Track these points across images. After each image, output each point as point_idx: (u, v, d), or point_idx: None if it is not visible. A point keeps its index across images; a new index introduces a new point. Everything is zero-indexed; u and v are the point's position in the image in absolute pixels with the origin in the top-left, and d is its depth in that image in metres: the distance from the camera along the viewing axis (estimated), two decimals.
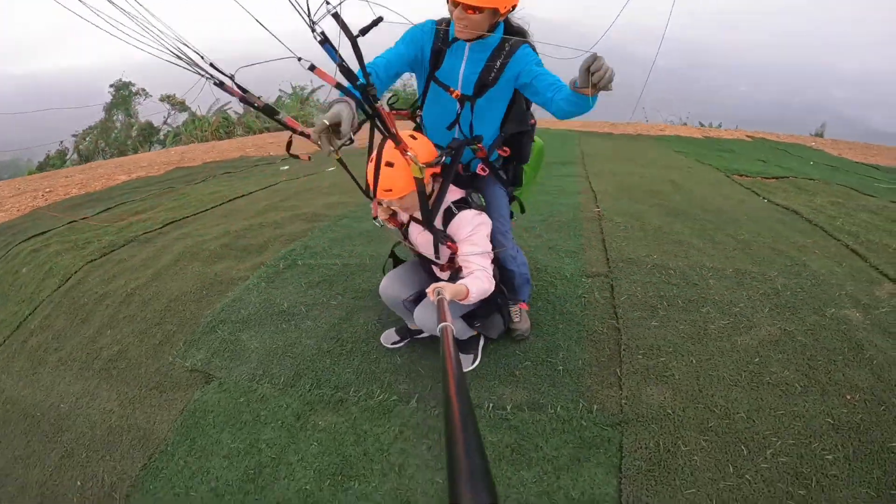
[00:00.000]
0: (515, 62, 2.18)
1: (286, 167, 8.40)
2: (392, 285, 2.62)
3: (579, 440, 2.22)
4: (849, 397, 2.32)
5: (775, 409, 2.29)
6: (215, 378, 2.85)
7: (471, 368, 2.65)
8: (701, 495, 1.95)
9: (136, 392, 2.86)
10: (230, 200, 6.02)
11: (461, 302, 2.03)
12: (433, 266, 2.52)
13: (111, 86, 16.98)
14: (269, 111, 1.86)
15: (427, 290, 1.91)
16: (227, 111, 15.02)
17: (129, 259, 4.46)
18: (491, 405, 2.45)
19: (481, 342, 2.74)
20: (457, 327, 2.38)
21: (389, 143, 2.00)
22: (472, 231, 2.19)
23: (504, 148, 2.48)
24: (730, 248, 3.86)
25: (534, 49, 2.23)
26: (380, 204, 2.32)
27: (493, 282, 2.17)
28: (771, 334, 2.76)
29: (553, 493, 2.01)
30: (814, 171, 7.51)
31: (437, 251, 2.33)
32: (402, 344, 2.90)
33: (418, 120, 2.59)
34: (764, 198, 5.45)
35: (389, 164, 2.01)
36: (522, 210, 2.78)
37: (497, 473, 2.13)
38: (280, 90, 16.75)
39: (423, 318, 2.36)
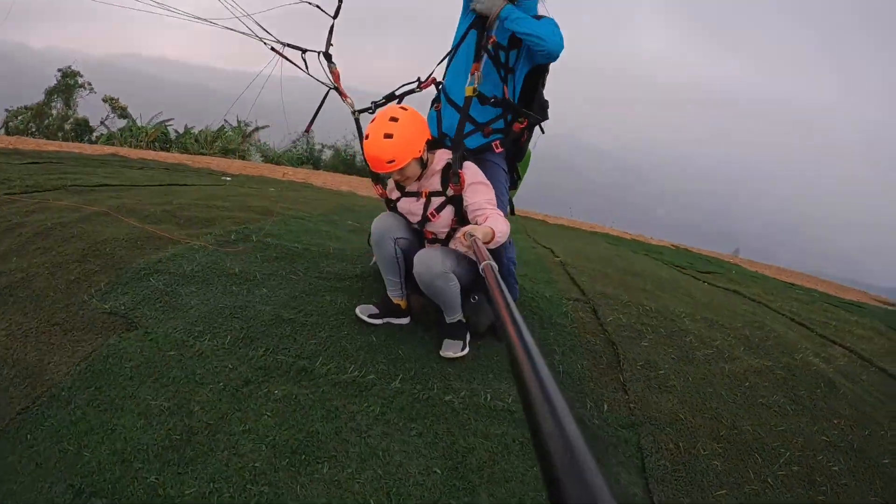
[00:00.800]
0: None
1: (228, 178, 7.81)
2: (385, 220, 2.41)
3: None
4: (836, 421, 2.37)
5: (775, 426, 2.25)
6: (140, 326, 2.25)
7: (459, 355, 2.32)
8: (731, 497, 1.79)
9: (34, 325, 2.19)
10: (170, 185, 5.36)
11: (489, 245, 2.00)
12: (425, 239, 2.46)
13: (59, 70, 15.67)
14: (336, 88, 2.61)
15: (457, 235, 2.01)
16: (168, 127, 14.17)
17: (54, 202, 3.68)
18: (489, 396, 2.12)
19: (468, 335, 2.44)
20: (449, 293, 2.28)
21: (383, 117, 2.15)
22: (477, 178, 2.27)
23: (521, 120, 2.51)
24: (692, 303, 3.97)
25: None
26: (379, 182, 2.47)
27: (508, 224, 2.19)
28: (753, 366, 2.76)
29: None
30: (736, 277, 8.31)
31: (426, 219, 2.36)
32: (379, 321, 2.50)
33: (439, 88, 2.64)
34: (704, 281, 5.84)
35: (388, 136, 2.09)
36: (513, 211, 2.77)
37: (507, 468, 1.78)
38: (225, 120, 16.28)
39: (426, 258, 2.21)
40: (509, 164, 2.68)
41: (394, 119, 2.13)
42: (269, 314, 2.45)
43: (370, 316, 2.49)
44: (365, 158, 2.22)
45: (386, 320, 2.52)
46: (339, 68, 2.66)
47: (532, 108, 2.52)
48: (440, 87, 2.63)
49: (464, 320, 2.40)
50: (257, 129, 16.30)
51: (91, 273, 2.62)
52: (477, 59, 2.36)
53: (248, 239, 3.36)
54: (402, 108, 2.23)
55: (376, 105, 2.52)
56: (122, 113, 14.62)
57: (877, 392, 2.81)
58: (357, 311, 2.52)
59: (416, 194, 2.37)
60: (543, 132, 2.64)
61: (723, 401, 2.36)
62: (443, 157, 2.33)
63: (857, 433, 2.30)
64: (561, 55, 2.29)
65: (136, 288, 2.53)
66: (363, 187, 9.13)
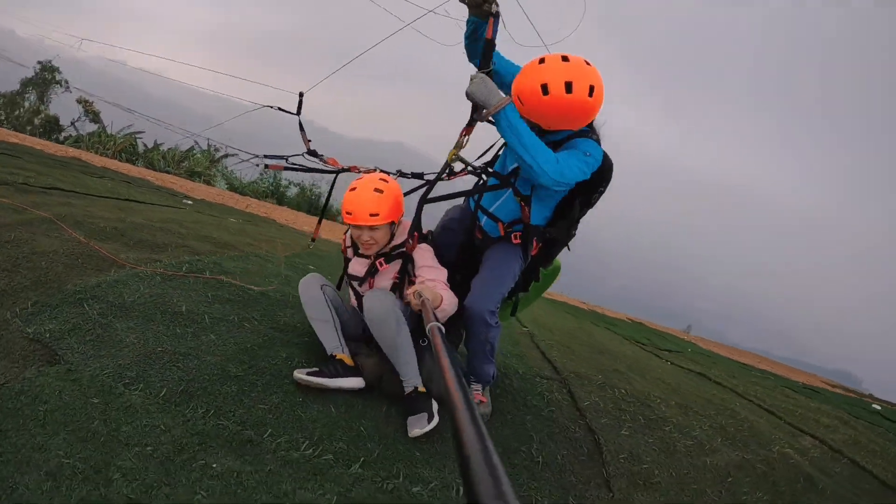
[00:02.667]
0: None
1: (190, 202, 7.41)
2: (315, 278, 2.36)
3: None
4: None
5: None
6: (64, 361, 1.89)
7: (428, 429, 2.03)
8: None
9: None
10: (127, 200, 4.95)
11: (436, 309, 1.93)
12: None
13: (38, 62, 15.05)
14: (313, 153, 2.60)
15: (407, 292, 1.95)
16: (137, 139, 13.63)
17: None
18: (460, 487, 1.85)
19: (434, 404, 2.17)
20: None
21: (373, 176, 2.22)
22: (433, 261, 2.25)
23: (537, 245, 2.36)
24: (663, 386, 3.87)
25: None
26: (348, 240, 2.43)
27: (457, 301, 2.17)
28: (733, 460, 2.64)
29: None
30: (694, 357, 8.39)
31: (372, 271, 2.33)
32: (326, 381, 2.12)
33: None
34: (668, 361, 5.81)
35: (378, 191, 2.13)
36: (513, 312, 2.63)
37: None
38: (196, 142, 15.90)
39: (377, 293, 2.17)
40: (532, 265, 2.44)
41: (384, 181, 2.20)
42: (214, 367, 2.12)
43: (309, 374, 2.10)
44: (344, 209, 2.17)
45: (334, 382, 2.14)
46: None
47: (560, 223, 2.31)
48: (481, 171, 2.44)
49: (422, 389, 2.16)
50: (226, 155, 15.97)
51: (19, 288, 2.26)
52: (469, 124, 2.14)
53: (200, 273, 3.03)
54: (382, 178, 2.24)
55: (400, 174, 2.51)
56: (95, 118, 14.04)
57: (851, 486, 2.73)
58: (295, 373, 2.12)
59: (368, 257, 2.33)
60: (570, 250, 2.47)
61: (708, 499, 2.21)
62: (405, 232, 2.29)
63: None
64: (561, 183, 1.97)
65: (66, 313, 2.16)
66: (329, 231, 8.85)
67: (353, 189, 2.16)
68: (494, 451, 0.58)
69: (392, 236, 2.26)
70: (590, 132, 2.13)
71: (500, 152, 2.42)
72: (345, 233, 2.46)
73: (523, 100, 1.95)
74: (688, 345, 10.74)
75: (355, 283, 2.40)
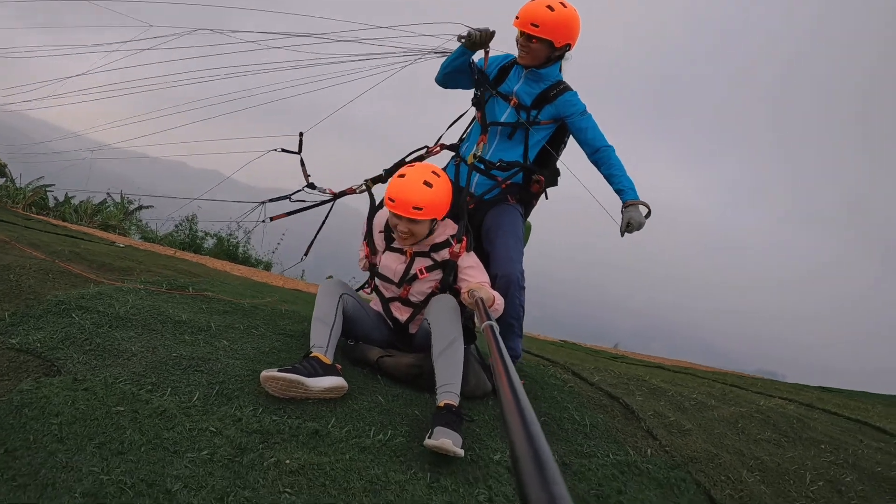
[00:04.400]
0: (563, 104, 2.39)
1: (121, 245, 6.74)
2: (335, 285, 2.17)
3: (656, 482, 1.78)
4: (822, 447, 2.49)
5: (784, 454, 2.29)
6: (66, 371, 1.64)
7: (460, 452, 1.63)
8: None
9: None
10: (68, 235, 4.39)
11: (490, 309, 1.87)
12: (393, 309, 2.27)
13: None
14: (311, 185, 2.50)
15: (462, 292, 1.94)
16: (48, 193, 12.27)
17: None
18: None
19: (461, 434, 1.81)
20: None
21: (425, 167, 2.10)
22: (477, 262, 2.18)
23: (536, 179, 2.48)
24: (636, 373, 4.08)
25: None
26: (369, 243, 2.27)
27: (503, 301, 2.11)
28: (733, 412, 2.83)
29: None
30: (621, 367, 8.86)
31: (411, 277, 2.17)
32: (297, 377, 1.75)
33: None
34: (622, 362, 6.13)
35: (428, 184, 1.98)
36: None
37: None
38: (108, 194, 14.66)
39: (442, 301, 2.05)
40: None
41: (436, 174, 2.05)
42: (241, 368, 1.94)
43: (282, 370, 1.77)
44: (387, 194, 2.02)
45: (315, 382, 1.78)
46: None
47: (544, 172, 2.48)
48: (455, 148, 2.59)
49: (455, 405, 1.82)
50: (140, 207, 14.83)
51: None
52: (484, 131, 2.35)
53: (183, 289, 2.78)
54: (434, 171, 2.09)
55: (388, 172, 2.42)
56: (1, 171, 12.41)
57: (832, 424, 3.02)
58: (263, 373, 1.77)
59: (401, 251, 2.18)
60: (547, 198, 2.61)
61: (732, 439, 2.35)
62: (446, 229, 2.17)
63: (841, 454, 2.42)
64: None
65: (53, 323, 1.89)
66: (270, 277, 8.48)
67: (402, 176, 2.00)
68: (552, 461, 0.52)
69: (431, 233, 2.11)
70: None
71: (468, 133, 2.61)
72: (370, 219, 2.28)
73: (539, 22, 2.21)
74: (620, 357, 11.36)
75: (385, 284, 2.23)
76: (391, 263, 2.18)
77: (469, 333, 2.24)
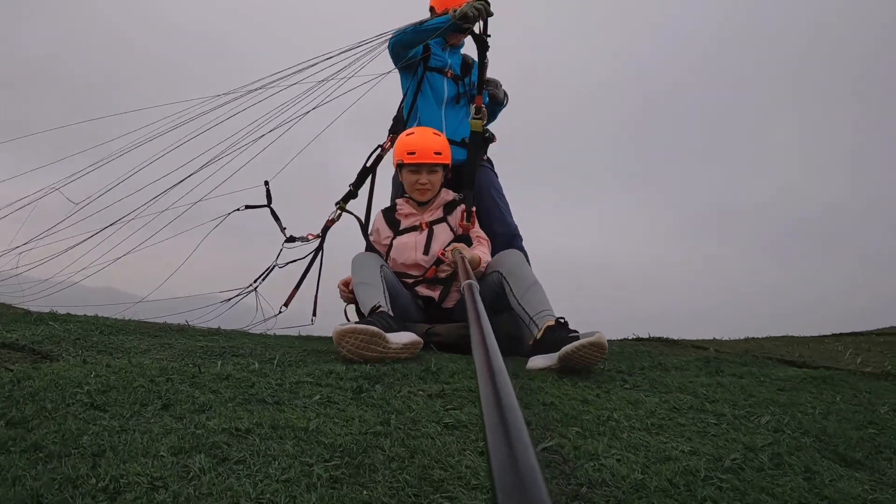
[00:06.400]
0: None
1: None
2: (372, 257, 2.01)
3: None
4: None
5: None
6: (70, 357, 1.22)
7: (550, 364, 1.59)
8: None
9: None
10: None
11: (475, 270, 1.91)
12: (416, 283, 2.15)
13: None
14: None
15: (446, 249, 1.95)
16: None
17: None
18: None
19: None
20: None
21: (425, 128, 2.26)
22: (483, 235, 2.26)
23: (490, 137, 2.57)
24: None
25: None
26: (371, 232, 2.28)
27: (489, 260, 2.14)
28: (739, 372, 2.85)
29: None
30: None
31: (433, 257, 2.11)
32: (378, 329, 1.53)
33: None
34: None
35: (436, 133, 2.20)
36: None
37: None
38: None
39: (511, 260, 1.96)
40: None
41: (436, 133, 2.23)
42: (281, 350, 1.60)
43: (358, 323, 1.59)
44: (403, 151, 2.10)
45: (395, 337, 1.58)
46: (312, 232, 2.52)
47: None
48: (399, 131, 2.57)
49: (552, 323, 1.71)
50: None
51: None
52: (479, 92, 2.31)
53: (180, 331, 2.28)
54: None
55: (355, 185, 2.47)
56: None
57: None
58: (336, 326, 1.53)
59: (414, 228, 2.13)
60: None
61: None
62: (446, 193, 2.24)
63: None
64: None
65: (34, 330, 1.45)
66: None
67: (411, 134, 2.17)
68: (523, 429, 0.42)
69: (440, 189, 2.20)
70: None
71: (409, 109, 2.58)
72: (365, 232, 2.31)
73: None
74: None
75: (405, 272, 2.14)
76: (408, 241, 2.11)
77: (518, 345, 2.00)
